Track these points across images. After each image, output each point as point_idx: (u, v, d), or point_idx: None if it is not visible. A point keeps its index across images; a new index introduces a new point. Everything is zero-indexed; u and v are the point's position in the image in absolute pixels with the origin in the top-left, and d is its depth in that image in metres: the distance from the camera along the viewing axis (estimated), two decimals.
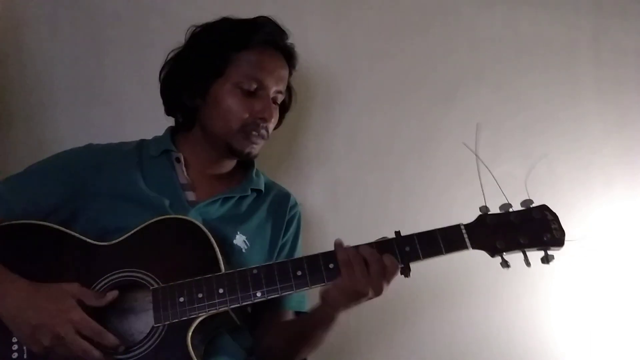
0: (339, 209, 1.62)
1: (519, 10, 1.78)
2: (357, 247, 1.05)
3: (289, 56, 1.31)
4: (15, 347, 1.03)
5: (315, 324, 1.15)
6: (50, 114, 1.55)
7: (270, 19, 1.27)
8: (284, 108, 1.37)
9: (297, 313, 1.29)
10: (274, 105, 1.26)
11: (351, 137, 1.66)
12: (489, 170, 1.09)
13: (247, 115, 1.21)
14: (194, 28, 1.28)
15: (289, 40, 1.31)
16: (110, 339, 1.01)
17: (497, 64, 1.75)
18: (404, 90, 1.70)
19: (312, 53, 1.66)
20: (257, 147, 1.25)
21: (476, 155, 1.13)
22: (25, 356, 1.03)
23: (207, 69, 1.23)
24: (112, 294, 1.05)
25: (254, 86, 1.22)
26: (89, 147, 1.27)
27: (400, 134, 1.68)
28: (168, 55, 1.30)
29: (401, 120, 1.69)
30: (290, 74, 1.33)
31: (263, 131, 1.23)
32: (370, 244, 1.06)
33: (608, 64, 1.80)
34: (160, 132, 1.37)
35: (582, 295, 1.65)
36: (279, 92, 1.27)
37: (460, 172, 1.63)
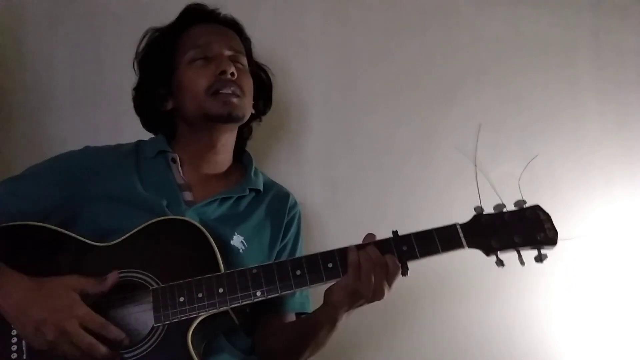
0: (339, 208, 1.62)
1: (519, 10, 1.78)
2: (364, 248, 1.06)
3: (231, 25, 1.34)
4: (14, 347, 1.03)
5: (318, 325, 1.15)
6: (50, 114, 1.56)
7: (197, 3, 1.33)
8: (264, 85, 1.38)
9: (300, 314, 1.29)
10: (237, 64, 1.26)
11: (351, 137, 1.66)
12: (483, 174, 1.11)
13: (209, 79, 1.23)
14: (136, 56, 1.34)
15: (228, 15, 1.35)
16: (115, 331, 1.00)
17: (497, 64, 1.75)
18: (404, 90, 1.70)
19: (312, 53, 1.67)
20: (235, 105, 1.24)
21: (473, 160, 1.15)
22: (25, 356, 1.02)
23: (160, 67, 1.28)
24: (113, 277, 1.03)
25: (204, 54, 1.25)
26: (87, 150, 1.26)
27: (400, 134, 1.68)
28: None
29: (401, 120, 1.69)
30: (243, 40, 1.35)
31: (232, 87, 1.23)
32: (370, 244, 1.07)
33: (608, 64, 1.80)
34: None
35: (582, 294, 1.65)
36: (234, 54, 1.28)
37: (459, 171, 1.63)
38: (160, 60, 1.29)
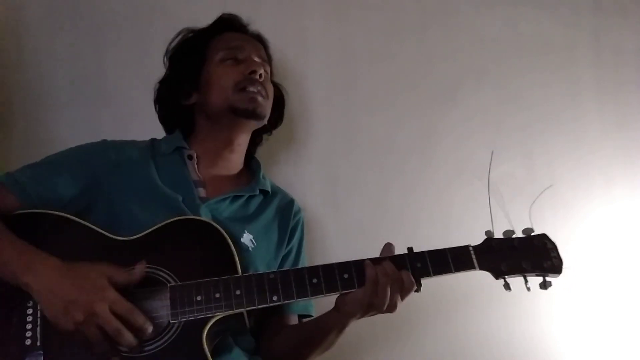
0: (339, 209, 1.62)
1: (519, 10, 1.79)
2: (381, 263, 1.08)
3: (259, 40, 1.41)
4: (29, 333, 1.03)
5: (327, 330, 1.17)
6: (50, 114, 1.55)
7: (232, 14, 1.41)
8: (278, 101, 1.42)
9: (302, 317, 1.30)
10: (264, 72, 1.32)
11: (351, 137, 1.67)
12: (496, 201, 1.14)
13: (238, 76, 1.28)
14: (167, 52, 1.40)
15: (256, 31, 1.43)
16: (142, 319, 1.00)
17: (497, 64, 1.76)
18: (404, 90, 1.70)
19: (312, 53, 1.67)
20: (260, 104, 1.29)
21: (487, 185, 1.17)
22: (39, 342, 1.02)
23: (191, 63, 1.33)
24: (141, 268, 1.04)
25: (235, 55, 1.31)
26: (105, 143, 1.28)
27: (400, 134, 1.68)
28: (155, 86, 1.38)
29: (401, 120, 1.69)
30: (268, 55, 1.40)
31: (258, 86, 1.28)
32: (385, 259, 1.09)
33: (608, 64, 1.81)
34: (160, 131, 1.38)
35: (582, 295, 1.65)
36: (262, 62, 1.34)
37: (459, 172, 1.64)
38: (191, 57, 1.34)
